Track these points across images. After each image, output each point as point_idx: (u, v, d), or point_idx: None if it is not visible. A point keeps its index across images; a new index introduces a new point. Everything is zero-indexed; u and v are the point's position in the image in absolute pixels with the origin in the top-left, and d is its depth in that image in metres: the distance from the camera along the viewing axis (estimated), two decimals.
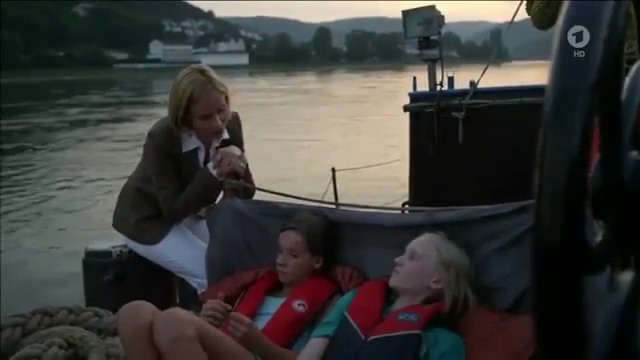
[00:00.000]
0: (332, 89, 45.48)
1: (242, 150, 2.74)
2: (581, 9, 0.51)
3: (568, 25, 0.50)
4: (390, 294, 2.08)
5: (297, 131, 17.94)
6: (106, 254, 2.90)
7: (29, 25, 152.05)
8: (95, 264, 2.90)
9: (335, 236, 2.36)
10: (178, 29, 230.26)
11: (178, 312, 1.88)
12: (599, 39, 0.49)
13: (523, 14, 3.23)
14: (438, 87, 3.33)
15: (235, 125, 2.79)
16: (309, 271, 2.29)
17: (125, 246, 2.89)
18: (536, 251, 0.51)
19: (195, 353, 1.78)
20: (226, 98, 2.61)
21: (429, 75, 3.39)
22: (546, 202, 0.50)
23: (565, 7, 0.52)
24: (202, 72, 2.55)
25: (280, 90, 44.49)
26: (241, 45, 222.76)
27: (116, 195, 2.97)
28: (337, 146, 14.20)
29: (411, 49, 3.55)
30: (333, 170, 5.13)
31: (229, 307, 2.08)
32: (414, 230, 2.16)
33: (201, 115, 2.54)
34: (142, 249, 2.81)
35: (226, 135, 2.70)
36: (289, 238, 2.28)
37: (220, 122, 2.58)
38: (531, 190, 0.52)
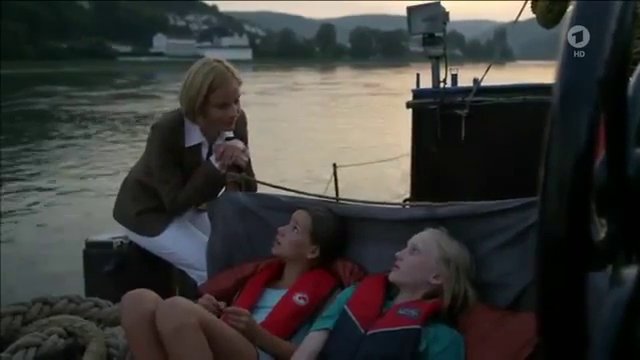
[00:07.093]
0: (387, 84, 45.46)
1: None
2: (582, 9, 0.52)
3: (569, 25, 0.51)
4: (390, 289, 2.09)
5: None
6: (107, 245, 2.90)
7: (33, 17, 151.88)
8: (96, 255, 2.90)
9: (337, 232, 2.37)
10: (182, 23, 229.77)
11: (181, 301, 1.88)
12: (599, 39, 0.50)
13: (528, 13, 3.23)
14: (441, 84, 3.32)
15: (241, 123, 2.79)
16: (302, 258, 2.31)
17: (126, 237, 2.89)
18: (540, 246, 0.52)
19: (197, 342, 1.79)
20: None
21: (432, 72, 3.38)
22: (551, 197, 0.50)
23: (571, 7, 0.53)
24: (219, 62, 2.58)
25: (338, 83, 44.61)
26: (245, 40, 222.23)
27: None
28: None
29: (415, 47, 3.53)
30: (334, 166, 5.14)
31: (221, 305, 2.07)
32: (416, 225, 2.16)
33: (219, 103, 2.55)
34: (143, 241, 2.81)
35: (230, 133, 2.71)
36: (300, 214, 2.36)
37: (236, 112, 2.60)
38: (533, 187, 0.52)
